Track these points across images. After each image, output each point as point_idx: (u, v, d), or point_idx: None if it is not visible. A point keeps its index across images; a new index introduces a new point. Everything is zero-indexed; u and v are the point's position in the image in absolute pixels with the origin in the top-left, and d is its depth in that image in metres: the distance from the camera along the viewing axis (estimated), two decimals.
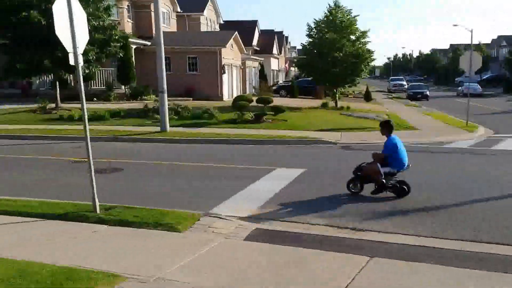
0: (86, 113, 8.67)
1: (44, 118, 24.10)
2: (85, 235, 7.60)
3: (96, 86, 33.11)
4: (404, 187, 10.12)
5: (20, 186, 11.42)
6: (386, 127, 10.43)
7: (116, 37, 25.97)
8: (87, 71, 25.53)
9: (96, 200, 8.61)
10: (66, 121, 22.83)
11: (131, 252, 6.78)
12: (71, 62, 8.60)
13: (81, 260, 6.41)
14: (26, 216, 8.56)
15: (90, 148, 8.74)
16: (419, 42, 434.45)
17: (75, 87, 31.07)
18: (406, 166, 10.31)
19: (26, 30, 22.51)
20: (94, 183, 8.62)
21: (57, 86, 26.99)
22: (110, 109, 25.59)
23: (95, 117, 23.46)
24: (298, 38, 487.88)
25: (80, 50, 8.63)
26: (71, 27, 8.44)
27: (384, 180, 10.06)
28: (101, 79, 33.43)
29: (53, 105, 26.63)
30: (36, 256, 6.58)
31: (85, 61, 24.75)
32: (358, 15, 33.15)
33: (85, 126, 8.65)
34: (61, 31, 8.43)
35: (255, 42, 62.01)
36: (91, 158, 8.71)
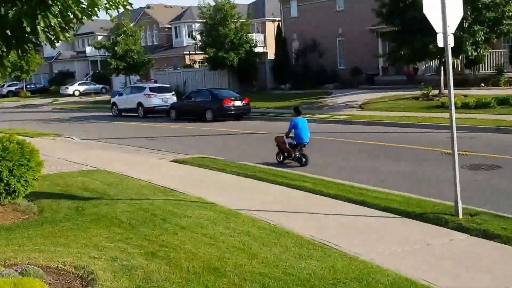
0: (452, 100, 7.69)
1: (425, 105, 23.64)
2: (440, 243, 6.58)
3: (484, 70, 30.79)
4: (304, 159, 13.00)
5: (379, 176, 11.15)
6: (295, 110, 13.64)
7: (510, 14, 23.35)
8: (474, 54, 23.88)
9: (459, 202, 7.44)
10: (447, 109, 21.79)
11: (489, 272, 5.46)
12: (440, 43, 7.66)
13: (425, 274, 5.48)
14: (376, 209, 8.12)
15: (455, 140, 7.59)
16: None
17: (462, 72, 29.54)
18: (304, 141, 13.06)
19: (412, 14, 22.41)
20: (457, 182, 7.47)
21: (441, 72, 26.08)
22: (498, 95, 23.26)
23: (479, 105, 21.66)
24: None
25: (451, 29, 7.60)
26: (442, 5, 7.50)
27: (290, 150, 13.12)
28: (491, 62, 30.91)
29: (436, 91, 25.89)
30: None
31: (472, 43, 23.11)
32: None
33: (451, 115, 7.65)
34: (429, 9, 7.60)
35: None
36: (455, 152, 7.57)
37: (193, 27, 51.88)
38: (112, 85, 56.21)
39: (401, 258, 6.10)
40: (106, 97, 48.42)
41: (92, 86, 57.93)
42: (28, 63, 42.32)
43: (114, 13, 6.52)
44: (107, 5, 6.20)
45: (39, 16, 4.91)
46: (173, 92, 31.71)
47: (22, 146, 8.02)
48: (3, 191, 7.76)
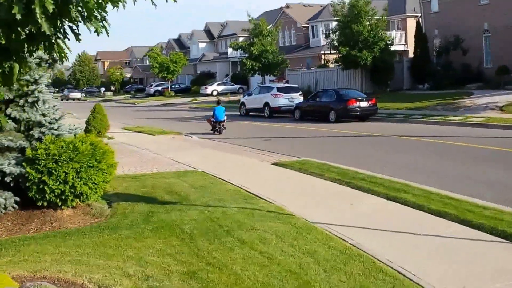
0: None
1: None
2: None
3: None
4: (219, 131, 21.86)
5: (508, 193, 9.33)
6: (217, 102, 23.88)
7: None
8: None
9: None
10: None
11: None
12: None
13: None
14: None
15: None
16: None
17: None
18: (220, 119, 21.94)
19: None
20: None
21: None
22: None
23: None
24: None
25: None
26: None
27: (214, 125, 22.14)
28: None
29: None
30: None
31: None
32: None
33: None
34: None
35: None
36: None
37: (330, 26, 50.79)
38: (249, 85, 57.04)
39: None
40: (240, 97, 49.15)
41: (230, 86, 59.28)
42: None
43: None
44: None
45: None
46: (300, 92, 30.98)
47: (95, 147, 7.66)
48: (69, 193, 7.46)
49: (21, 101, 7.54)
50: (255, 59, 43.15)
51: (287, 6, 63.47)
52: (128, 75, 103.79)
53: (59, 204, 7.59)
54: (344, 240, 6.53)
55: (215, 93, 57.78)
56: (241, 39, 60.23)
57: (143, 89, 79.83)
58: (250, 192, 9.61)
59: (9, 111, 7.51)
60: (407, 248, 6.26)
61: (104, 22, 4.67)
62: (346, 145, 17.21)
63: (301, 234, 6.73)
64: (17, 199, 7.55)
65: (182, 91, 67.62)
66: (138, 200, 9.00)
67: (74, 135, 8.19)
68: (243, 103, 32.91)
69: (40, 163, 7.32)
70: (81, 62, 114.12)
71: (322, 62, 48.49)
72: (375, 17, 35.56)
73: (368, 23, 35.14)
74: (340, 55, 36.07)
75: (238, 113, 33.18)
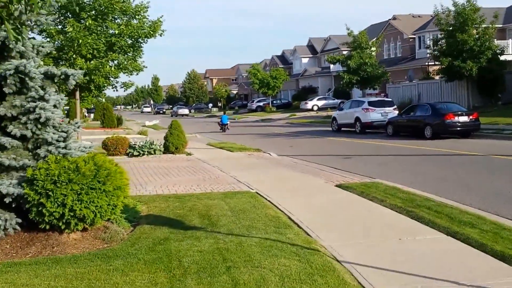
0: None
1: None
2: None
3: None
4: (224, 129, 35.33)
5: None
6: (223, 112, 45.31)
7: None
8: None
9: None
10: None
11: None
12: None
13: None
14: None
15: None
16: None
17: None
18: (224, 123, 35.69)
19: None
20: None
21: None
22: None
23: None
24: None
25: None
26: None
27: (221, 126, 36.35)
28: None
29: None
30: None
31: None
32: None
33: None
34: None
35: None
36: None
37: (438, 35, 47.88)
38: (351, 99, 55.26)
39: None
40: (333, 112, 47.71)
41: (331, 101, 57.79)
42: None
43: None
44: None
45: None
46: (395, 107, 28.95)
47: (99, 168, 6.90)
48: (70, 217, 6.75)
49: (24, 119, 6.99)
50: (353, 72, 41.63)
51: (394, 18, 61.00)
52: (235, 92, 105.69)
53: (62, 227, 6.92)
54: None
55: (315, 108, 56.61)
56: (344, 53, 58.71)
57: (246, 105, 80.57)
58: (291, 219, 8.45)
59: (10, 128, 6.98)
60: None
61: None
62: (432, 165, 15.31)
63: (312, 277, 5.46)
64: (19, 220, 6.99)
65: (284, 106, 67.15)
66: (164, 223, 8.16)
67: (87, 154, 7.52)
68: (334, 118, 31.45)
69: (38, 184, 6.69)
70: (191, 79, 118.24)
71: (427, 74, 45.69)
72: (483, 25, 32.64)
73: (475, 31, 32.34)
74: (443, 66, 33.49)
75: (330, 129, 31.79)
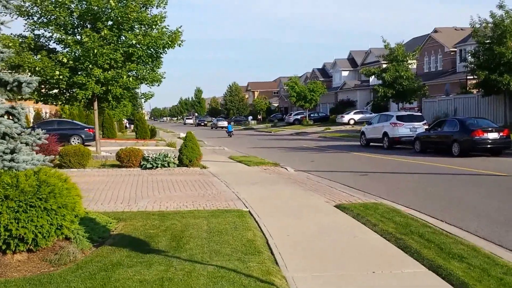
0: None
1: None
2: None
3: None
4: (231, 135, 49.90)
5: None
6: (228, 123, 68.37)
7: None
8: None
9: None
10: None
11: None
12: None
13: None
14: None
15: None
16: None
17: None
18: (230, 130, 51.07)
19: None
20: None
21: None
22: None
23: None
24: None
25: None
26: None
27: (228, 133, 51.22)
28: None
29: None
30: None
31: None
32: None
33: None
34: None
35: None
36: None
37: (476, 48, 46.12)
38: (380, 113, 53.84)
39: None
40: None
41: (368, 115, 56.40)
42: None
43: None
44: None
45: None
46: (425, 121, 27.72)
47: (41, 183, 6.41)
48: (7, 237, 6.26)
49: None
50: (388, 85, 40.49)
51: (435, 31, 59.29)
52: (276, 104, 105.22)
53: (3, 247, 6.45)
54: None
55: (351, 121, 55.46)
56: (384, 66, 57.41)
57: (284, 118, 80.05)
58: (268, 243, 7.81)
59: None
60: None
61: None
62: (450, 186, 14.23)
63: None
64: None
65: (321, 119, 66.15)
66: (128, 245, 7.60)
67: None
68: (363, 133, 30.41)
69: None
70: (232, 92, 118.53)
71: (465, 88, 44.02)
72: None
73: None
74: (479, 79, 32.02)
75: (359, 143, 30.77)
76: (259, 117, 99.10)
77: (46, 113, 61.51)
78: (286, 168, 19.36)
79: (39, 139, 7.60)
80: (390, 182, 15.21)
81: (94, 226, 8.20)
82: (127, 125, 74.17)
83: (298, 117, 67.91)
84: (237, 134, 58.22)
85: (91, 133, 30.13)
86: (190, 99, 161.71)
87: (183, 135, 51.48)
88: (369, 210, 10.11)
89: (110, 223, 8.88)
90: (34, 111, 53.28)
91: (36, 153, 7.10)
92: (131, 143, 34.65)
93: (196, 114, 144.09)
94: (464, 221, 9.44)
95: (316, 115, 68.69)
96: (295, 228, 8.90)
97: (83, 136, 31.04)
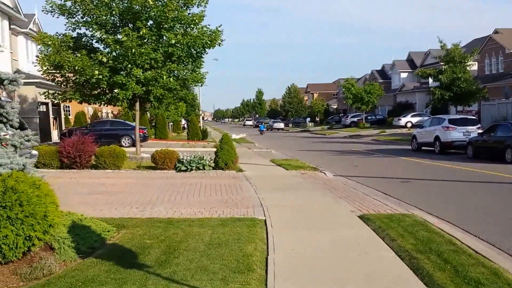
0: None
1: None
2: None
3: None
4: (262, 133, 63.24)
5: None
6: (258, 127, 72.41)
7: None
8: None
9: None
10: None
11: None
12: None
13: None
14: None
15: None
16: None
17: None
18: (262, 129, 64.04)
19: None
20: None
21: None
22: None
23: None
24: None
25: None
26: None
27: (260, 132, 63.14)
28: None
29: None
30: None
31: None
32: None
33: None
34: None
35: None
36: None
37: None
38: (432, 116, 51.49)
39: None
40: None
41: (426, 118, 54.16)
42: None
43: None
44: None
45: None
46: (479, 125, 25.97)
47: (6, 190, 5.95)
48: None
49: None
50: (445, 88, 38.64)
51: (496, 32, 56.27)
52: (334, 106, 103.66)
53: None
54: None
55: (409, 124, 53.51)
56: (444, 67, 55.09)
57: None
58: (266, 259, 7.09)
59: None
60: None
61: None
62: (495, 197, 12.99)
63: None
64: None
65: (378, 122, 64.32)
66: (114, 257, 7.08)
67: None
68: (414, 137, 28.92)
69: None
70: (290, 94, 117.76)
71: None
72: None
73: None
74: None
75: (410, 148, 29.32)
76: (317, 119, 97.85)
77: (107, 113, 62.85)
78: (324, 173, 18.49)
79: (28, 140, 7.24)
80: (432, 191, 14.09)
81: (86, 235, 7.73)
82: (185, 126, 74.76)
83: (355, 119, 66.33)
84: (291, 136, 57.49)
85: (141, 134, 30.23)
86: (252, 101, 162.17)
87: (235, 136, 51.44)
88: (393, 222, 9.20)
89: (108, 231, 8.39)
90: (93, 109, 54.47)
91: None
92: (179, 144, 34.65)
93: (257, 115, 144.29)
94: (503, 237, 8.37)
95: (373, 117, 66.85)
96: (305, 241, 8.13)
97: (133, 137, 31.21)
